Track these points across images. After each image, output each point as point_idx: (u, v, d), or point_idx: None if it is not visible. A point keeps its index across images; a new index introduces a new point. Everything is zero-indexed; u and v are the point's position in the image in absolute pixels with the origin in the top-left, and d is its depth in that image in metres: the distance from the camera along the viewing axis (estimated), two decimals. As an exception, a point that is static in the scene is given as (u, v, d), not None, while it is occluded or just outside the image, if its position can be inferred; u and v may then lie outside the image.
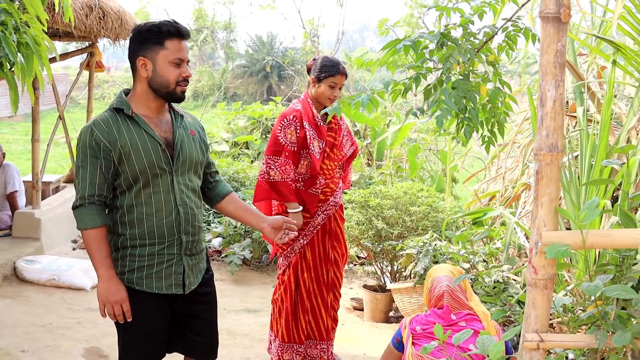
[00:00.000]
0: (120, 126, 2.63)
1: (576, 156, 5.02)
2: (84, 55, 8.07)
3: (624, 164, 4.30)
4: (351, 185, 4.62)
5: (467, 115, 2.63)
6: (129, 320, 2.67)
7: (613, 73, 4.73)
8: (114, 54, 43.08)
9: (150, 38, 2.65)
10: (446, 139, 10.62)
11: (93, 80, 8.38)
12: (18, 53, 3.49)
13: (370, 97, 2.64)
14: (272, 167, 4.08)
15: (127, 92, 2.78)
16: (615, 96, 5.33)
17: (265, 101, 20.74)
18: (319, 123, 4.17)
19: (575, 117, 5.29)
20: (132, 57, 2.70)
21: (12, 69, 3.55)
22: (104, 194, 2.64)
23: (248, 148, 10.81)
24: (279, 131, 4.11)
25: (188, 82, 2.72)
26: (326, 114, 4.16)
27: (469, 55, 2.57)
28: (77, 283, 5.63)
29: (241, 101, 14.74)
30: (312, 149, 4.11)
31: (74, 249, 6.90)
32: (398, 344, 3.32)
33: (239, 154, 10.62)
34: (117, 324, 2.75)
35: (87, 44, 7.99)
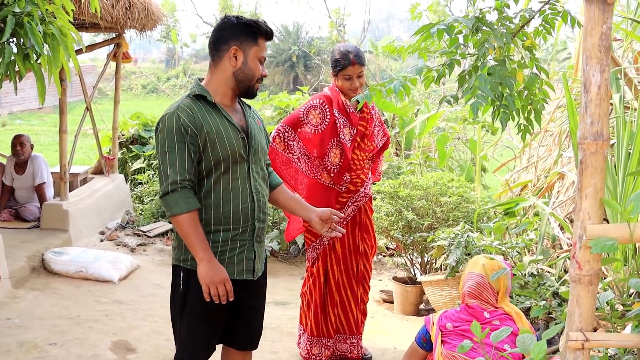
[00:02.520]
0: (205, 113, 2.67)
1: (612, 144, 4.87)
2: (111, 47, 8.05)
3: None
4: (381, 177, 4.51)
5: (503, 102, 2.52)
6: (231, 299, 2.66)
7: (653, 58, 4.56)
8: (141, 45, 43.30)
9: (248, 32, 2.69)
10: (475, 127, 10.46)
11: (120, 72, 8.36)
12: (44, 44, 3.46)
13: (402, 84, 2.54)
14: (280, 135, 4.00)
15: (200, 80, 2.81)
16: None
17: (291, 91, 20.61)
18: (349, 110, 4.05)
19: (611, 104, 5.13)
20: (224, 45, 2.71)
21: (39, 60, 3.52)
22: (192, 178, 2.66)
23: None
24: (302, 111, 4.03)
25: (262, 82, 2.82)
26: (357, 101, 4.10)
27: (505, 40, 2.46)
28: (104, 275, 5.61)
29: (267, 91, 14.68)
30: (343, 137, 4.00)
31: (101, 241, 6.90)
32: (425, 343, 3.20)
33: (265, 144, 10.55)
34: (179, 313, 2.76)
35: (113, 35, 7.97)
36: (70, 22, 3.60)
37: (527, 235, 4.99)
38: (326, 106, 4.01)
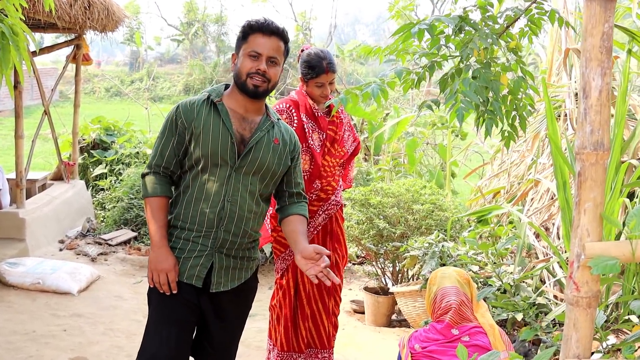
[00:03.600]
0: (202, 109, 2.68)
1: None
2: (71, 48, 7.76)
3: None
4: (352, 183, 4.33)
5: (488, 107, 2.36)
6: (174, 292, 2.63)
7: (628, 63, 4.47)
8: (104, 48, 42.67)
9: (240, 35, 2.71)
10: (444, 132, 10.36)
11: (80, 74, 8.07)
12: (-6, 43, 3.21)
13: (380, 88, 2.37)
14: None
15: (227, 87, 2.82)
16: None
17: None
18: (317, 114, 3.87)
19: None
20: (233, 53, 2.78)
21: (-12, 61, 3.27)
22: (170, 168, 2.71)
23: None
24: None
25: (265, 78, 2.66)
26: (329, 107, 3.92)
27: (490, 41, 2.29)
28: (62, 287, 5.34)
29: None
30: (312, 142, 3.82)
31: (60, 250, 6.61)
32: None
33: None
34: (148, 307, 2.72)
35: (73, 36, 7.68)
36: (23, 20, 3.36)
37: (502, 243, 4.86)
38: (293, 110, 3.82)
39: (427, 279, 4.40)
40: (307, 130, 3.80)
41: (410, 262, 4.79)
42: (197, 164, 2.65)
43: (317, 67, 3.74)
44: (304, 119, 3.81)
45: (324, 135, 3.89)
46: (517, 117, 2.60)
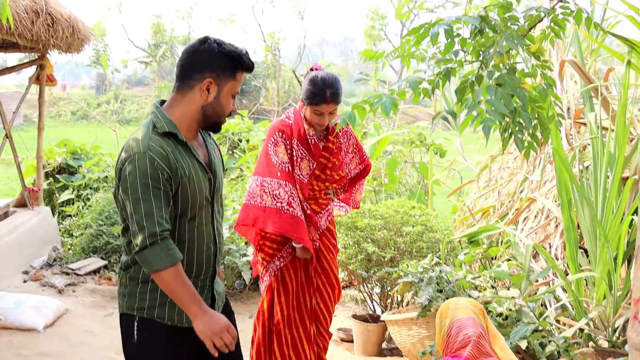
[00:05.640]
0: (177, 153, 2.35)
1: (587, 167, 4.54)
2: (34, 69, 7.38)
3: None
4: (359, 205, 4.06)
5: (516, 118, 2.08)
6: (234, 337, 2.39)
7: (627, 74, 4.29)
8: (70, 71, 42.02)
9: (227, 65, 2.36)
10: (422, 150, 10.15)
11: (44, 95, 7.66)
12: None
13: (391, 100, 2.09)
14: (265, 190, 3.58)
15: (160, 103, 2.46)
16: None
17: (229, 116, 20.07)
18: (311, 141, 3.65)
19: (583, 124, 4.81)
20: (197, 74, 2.35)
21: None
22: (170, 227, 2.33)
23: (214, 165, 10.18)
24: (270, 149, 3.63)
25: (231, 116, 2.53)
26: (327, 130, 3.69)
27: (517, 42, 2.02)
28: (27, 323, 4.92)
29: None
30: (299, 172, 3.65)
31: (25, 282, 6.19)
32: None
33: (205, 171, 9.97)
34: None
35: (36, 56, 7.31)
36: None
37: (499, 266, 4.61)
38: (286, 139, 3.63)
39: (424, 306, 4.13)
40: (295, 158, 3.62)
41: (403, 288, 4.49)
42: (185, 214, 2.39)
43: (319, 96, 3.50)
44: (295, 146, 3.63)
45: (314, 164, 3.67)
46: (539, 127, 2.34)
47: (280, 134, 3.63)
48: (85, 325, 5.21)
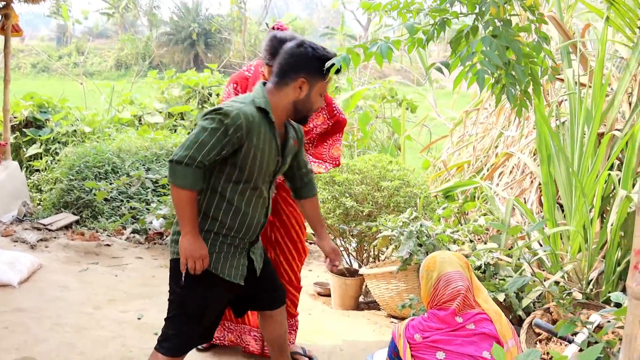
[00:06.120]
0: (261, 127, 2.70)
1: (564, 122, 4.59)
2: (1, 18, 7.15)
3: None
4: (338, 163, 3.94)
5: (509, 71, 2.08)
6: (205, 267, 2.74)
7: (605, 31, 4.30)
8: (28, 22, 40.83)
9: (319, 67, 2.69)
10: (393, 105, 10.15)
11: (10, 46, 7.44)
12: None
13: (387, 46, 2.06)
14: None
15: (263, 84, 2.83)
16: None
17: (196, 69, 19.81)
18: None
19: (560, 79, 4.84)
20: (293, 73, 2.73)
21: None
22: (208, 165, 2.67)
23: (184, 119, 10.06)
24: (224, 99, 3.65)
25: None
26: None
27: (514, -5, 2.01)
28: (2, 279, 4.85)
29: (168, 70, 13.71)
30: None
31: (-5, 237, 6.10)
32: (397, 358, 2.78)
33: (174, 125, 9.85)
34: (177, 305, 2.82)
35: (1, 5, 7.07)
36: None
37: (476, 220, 4.67)
38: (239, 91, 3.68)
39: (405, 260, 4.17)
40: None
41: (382, 242, 4.53)
42: (249, 181, 2.75)
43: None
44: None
45: None
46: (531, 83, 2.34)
47: (235, 85, 3.67)
48: (61, 281, 5.16)
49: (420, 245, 4.15)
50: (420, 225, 4.19)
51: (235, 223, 2.77)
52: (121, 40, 31.59)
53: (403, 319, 4.45)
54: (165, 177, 6.52)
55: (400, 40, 2.14)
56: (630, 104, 4.51)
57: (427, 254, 4.12)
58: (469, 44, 2.04)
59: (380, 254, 5.19)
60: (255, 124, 2.65)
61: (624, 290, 3.97)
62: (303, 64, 2.71)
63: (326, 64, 2.74)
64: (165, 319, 2.88)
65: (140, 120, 9.90)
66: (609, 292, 3.75)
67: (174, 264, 2.81)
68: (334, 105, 3.85)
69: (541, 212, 4.53)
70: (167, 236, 6.30)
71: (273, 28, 3.58)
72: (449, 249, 4.17)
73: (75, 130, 8.49)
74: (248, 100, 2.70)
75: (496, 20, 2.09)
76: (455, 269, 2.75)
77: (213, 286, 2.80)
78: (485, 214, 4.72)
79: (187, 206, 2.65)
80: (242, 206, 2.76)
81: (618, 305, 3.11)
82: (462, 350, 2.59)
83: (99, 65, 32.02)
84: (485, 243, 4.38)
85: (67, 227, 6.58)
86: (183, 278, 2.75)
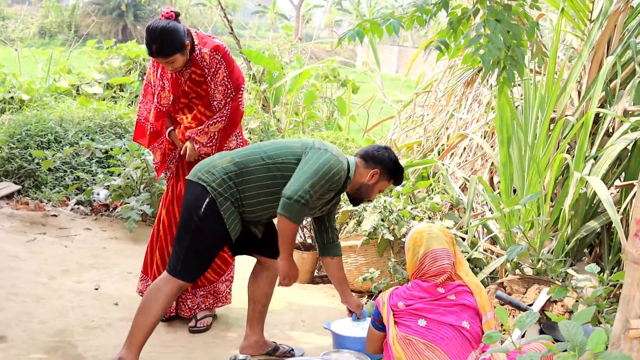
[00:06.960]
0: (345, 182, 3.29)
1: (517, 106, 4.79)
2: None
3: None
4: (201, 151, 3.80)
5: (510, 54, 2.21)
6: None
7: (560, 20, 4.51)
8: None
9: (391, 172, 3.35)
10: (335, 85, 10.25)
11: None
12: None
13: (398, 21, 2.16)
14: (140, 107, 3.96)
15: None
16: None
17: (122, 41, 19.33)
18: (171, 75, 3.74)
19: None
20: (373, 163, 3.32)
21: None
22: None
23: (123, 90, 9.86)
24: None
25: None
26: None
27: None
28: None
29: (94, 40, 13.23)
30: (157, 101, 3.87)
31: None
32: (380, 325, 2.91)
33: (113, 96, 9.65)
34: (191, 232, 3.19)
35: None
36: None
37: (431, 198, 4.83)
38: (152, 63, 3.84)
39: (369, 233, 4.28)
40: (155, 86, 3.86)
41: (342, 217, 4.63)
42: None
43: (148, 49, 3.49)
44: (158, 76, 3.79)
45: (171, 96, 3.81)
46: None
47: (152, 59, 3.72)
48: (10, 251, 5.05)
49: (383, 220, 4.28)
50: (385, 200, 4.32)
51: (253, 215, 3.26)
52: (45, 7, 30.45)
53: (361, 292, 4.59)
54: (114, 148, 6.43)
55: (403, 17, 2.23)
56: (579, 92, 4.75)
57: (390, 229, 4.26)
58: (475, 27, 2.14)
59: (340, 229, 5.30)
60: (343, 178, 3.23)
61: (571, 265, 4.22)
62: (382, 161, 3.30)
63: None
64: (175, 242, 3.27)
65: (78, 90, 9.65)
66: (561, 269, 3.97)
67: (200, 190, 3.16)
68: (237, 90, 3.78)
69: (495, 192, 4.73)
70: (113, 208, 6.23)
71: (162, 15, 3.48)
72: (410, 226, 4.31)
73: (12, 97, 8.21)
74: (344, 159, 3.26)
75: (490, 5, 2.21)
76: (442, 245, 2.88)
77: (220, 226, 3.18)
78: (439, 193, 4.89)
79: (291, 237, 3.18)
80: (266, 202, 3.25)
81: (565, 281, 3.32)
82: (443, 319, 2.74)
83: (22, 32, 30.78)
84: (441, 220, 4.55)
85: (8, 196, 6.40)
86: (203, 207, 3.14)
